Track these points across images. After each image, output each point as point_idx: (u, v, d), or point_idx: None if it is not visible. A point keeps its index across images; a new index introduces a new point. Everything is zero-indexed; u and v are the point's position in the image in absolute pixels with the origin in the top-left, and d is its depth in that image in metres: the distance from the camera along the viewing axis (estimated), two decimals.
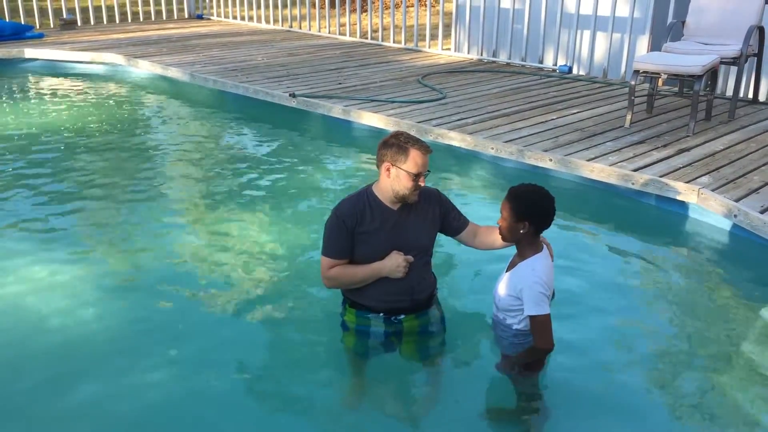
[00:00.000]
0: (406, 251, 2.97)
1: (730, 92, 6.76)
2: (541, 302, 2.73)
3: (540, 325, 2.75)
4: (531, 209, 2.77)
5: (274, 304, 3.71)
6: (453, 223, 3.13)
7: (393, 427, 2.91)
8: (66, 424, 2.85)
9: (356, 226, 2.95)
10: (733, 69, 6.62)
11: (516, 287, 2.80)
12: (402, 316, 3.09)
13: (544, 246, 2.90)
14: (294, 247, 4.30)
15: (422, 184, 2.93)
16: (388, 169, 2.90)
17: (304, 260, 4.13)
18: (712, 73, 6.00)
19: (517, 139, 5.58)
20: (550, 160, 5.19)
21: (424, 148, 2.91)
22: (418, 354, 3.23)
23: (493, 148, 5.51)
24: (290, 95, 6.93)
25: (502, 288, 2.91)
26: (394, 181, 2.90)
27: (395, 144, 2.89)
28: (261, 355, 3.33)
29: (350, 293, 3.12)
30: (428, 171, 2.93)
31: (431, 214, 3.07)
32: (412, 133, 5.95)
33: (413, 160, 2.86)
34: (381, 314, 3.08)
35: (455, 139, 5.74)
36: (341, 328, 3.20)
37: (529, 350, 2.85)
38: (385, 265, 2.95)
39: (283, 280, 3.94)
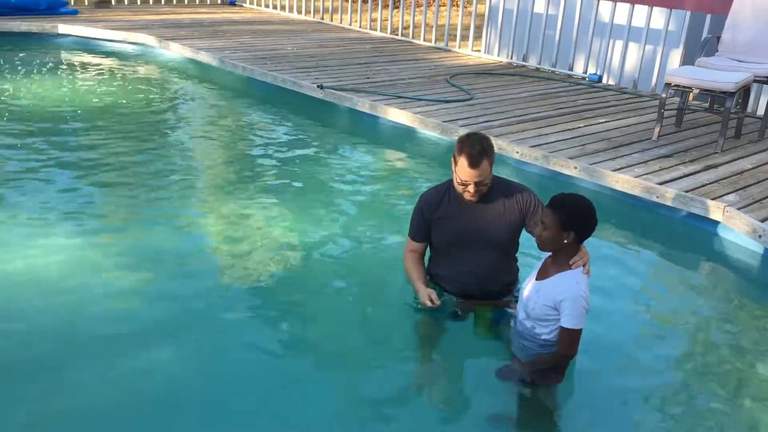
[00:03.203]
0: (472, 242, 3.17)
1: (761, 111, 6.67)
2: (581, 317, 2.73)
3: (572, 337, 2.75)
4: (577, 219, 2.74)
5: (289, 293, 3.73)
6: (533, 228, 3.10)
7: (399, 428, 2.90)
8: (90, 397, 2.88)
9: (432, 213, 3.22)
10: (766, 88, 6.53)
11: (555, 298, 2.75)
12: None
13: None
14: (313, 238, 4.31)
15: (471, 191, 3.03)
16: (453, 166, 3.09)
17: (322, 250, 4.15)
18: (745, 90, 5.93)
19: (542, 144, 5.55)
20: (575, 167, 5.16)
21: (472, 160, 2.96)
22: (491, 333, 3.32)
23: (518, 152, 5.48)
24: (318, 86, 6.95)
25: (535, 297, 2.84)
26: (454, 177, 3.09)
27: (458, 145, 3.03)
28: (287, 337, 3.38)
29: (431, 272, 3.37)
30: (486, 183, 3.03)
31: (510, 214, 3.16)
32: (436, 132, 5.95)
33: (461, 167, 3.02)
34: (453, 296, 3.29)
35: None
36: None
37: (552, 356, 2.83)
38: (420, 291, 3.20)
39: (299, 269, 3.95)
